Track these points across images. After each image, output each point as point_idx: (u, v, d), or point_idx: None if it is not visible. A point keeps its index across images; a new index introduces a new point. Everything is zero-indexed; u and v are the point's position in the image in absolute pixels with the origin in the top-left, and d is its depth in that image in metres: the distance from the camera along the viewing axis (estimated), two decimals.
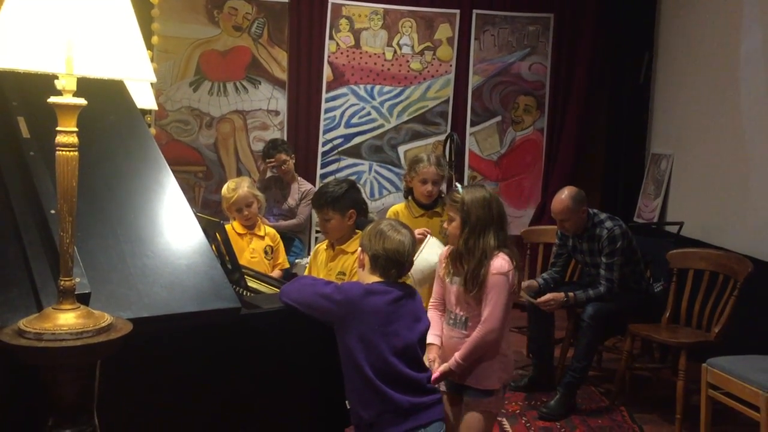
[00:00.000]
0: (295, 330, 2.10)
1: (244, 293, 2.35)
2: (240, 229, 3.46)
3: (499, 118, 6.27)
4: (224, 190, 3.46)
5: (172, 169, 5.47)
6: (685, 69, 5.52)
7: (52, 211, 1.84)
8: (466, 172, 6.24)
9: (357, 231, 3.11)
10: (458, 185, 2.63)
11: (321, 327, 2.11)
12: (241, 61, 6.03)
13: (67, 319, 1.48)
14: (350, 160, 6.17)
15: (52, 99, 1.47)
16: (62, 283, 1.50)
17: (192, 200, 6.04)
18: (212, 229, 2.40)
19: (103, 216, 1.98)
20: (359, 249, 2.30)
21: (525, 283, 4.20)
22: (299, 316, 2.08)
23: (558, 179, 6.21)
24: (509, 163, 6.31)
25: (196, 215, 2.47)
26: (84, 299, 1.67)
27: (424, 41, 6.14)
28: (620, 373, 4.02)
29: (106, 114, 2.30)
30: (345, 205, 2.96)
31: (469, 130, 6.24)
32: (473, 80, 6.20)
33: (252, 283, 2.54)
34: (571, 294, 3.95)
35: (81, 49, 1.38)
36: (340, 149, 6.16)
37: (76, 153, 1.51)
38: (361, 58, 6.12)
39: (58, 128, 1.48)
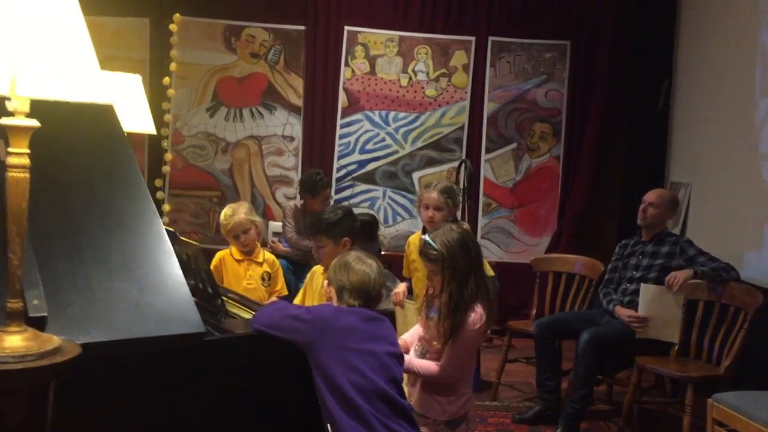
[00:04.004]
0: (265, 357, 2.07)
1: (223, 318, 2.33)
2: (238, 255, 3.45)
3: (514, 145, 6.22)
4: (222, 216, 3.46)
5: (187, 194, 5.58)
6: (705, 96, 5.42)
7: None
8: (481, 199, 6.19)
9: None
10: (426, 238, 2.55)
11: (294, 354, 2.07)
12: (258, 87, 6.10)
13: (12, 341, 1.47)
14: (364, 186, 6.17)
15: (3, 120, 1.48)
16: (9, 305, 1.50)
17: (206, 225, 6.09)
18: (193, 253, 2.39)
19: (74, 239, 1.98)
20: (325, 283, 2.28)
21: (625, 311, 3.97)
22: (270, 342, 2.05)
23: (574, 207, 6.13)
24: (525, 191, 6.24)
25: (178, 238, 2.47)
26: (40, 322, 1.67)
27: (439, 68, 6.14)
28: (627, 407, 3.90)
29: (89, 136, 2.31)
30: (339, 233, 2.94)
31: (484, 156, 6.20)
32: (488, 107, 6.17)
33: (235, 309, 2.52)
34: (699, 271, 3.81)
35: (26, 69, 1.38)
36: (354, 175, 6.16)
37: (27, 175, 1.51)
38: (376, 84, 6.13)
39: (8, 149, 1.48)
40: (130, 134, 5.25)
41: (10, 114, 1.49)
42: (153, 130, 3.49)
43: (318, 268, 3.12)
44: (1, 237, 1.85)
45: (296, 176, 6.10)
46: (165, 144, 5.88)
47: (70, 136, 2.25)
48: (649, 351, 3.93)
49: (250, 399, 2.03)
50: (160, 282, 1.95)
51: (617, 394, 4.48)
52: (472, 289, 2.40)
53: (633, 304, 3.99)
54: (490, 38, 6.13)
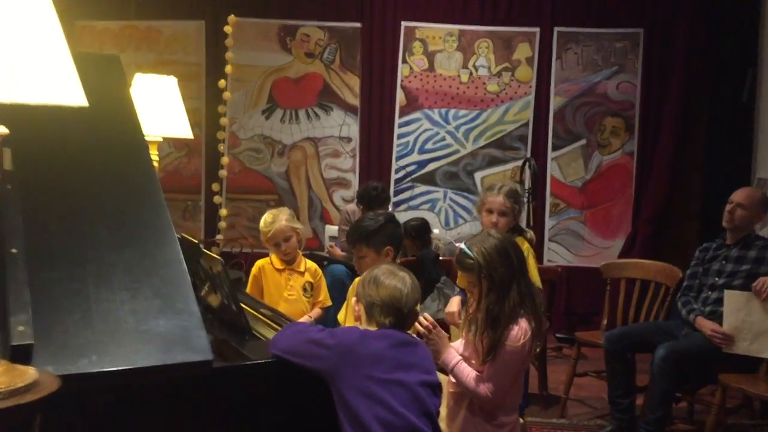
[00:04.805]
0: (283, 387, 1.85)
1: (248, 339, 2.14)
2: (278, 264, 3.26)
3: (583, 142, 5.85)
4: (261, 223, 3.27)
5: (244, 198, 5.37)
6: None
7: (13, 250, 1.69)
8: (548, 199, 5.85)
9: None
10: (461, 246, 2.29)
11: (315, 384, 1.84)
12: (313, 87, 5.94)
13: None
14: (424, 188, 5.92)
15: None
16: None
17: None
18: (217, 268, 2.20)
19: (79, 255, 1.81)
20: (354, 299, 2.05)
21: (708, 324, 3.57)
22: (289, 370, 1.82)
23: (650, 207, 5.73)
24: (595, 190, 5.86)
25: (202, 252, 2.29)
26: (24, 351, 1.50)
27: (501, 62, 5.84)
28: (710, 430, 3.52)
29: (104, 141, 2.16)
30: (380, 242, 2.70)
31: (550, 154, 5.85)
32: (555, 102, 5.83)
33: (263, 329, 2.32)
34: None
35: None
36: (413, 176, 5.93)
37: None
38: (435, 81, 5.88)
39: None
40: (186, 139, 5.18)
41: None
42: (189, 134, 3.34)
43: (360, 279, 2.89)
44: None
45: (354, 178, 5.92)
46: (221, 148, 5.78)
47: (82, 140, 2.10)
48: (734, 366, 3.53)
49: None
50: (168, 305, 1.76)
51: (699, 412, 4.09)
52: (515, 301, 2.12)
53: (716, 315, 3.60)
54: (556, 29, 5.79)
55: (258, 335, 2.19)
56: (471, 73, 5.86)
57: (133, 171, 2.13)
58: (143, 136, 2.31)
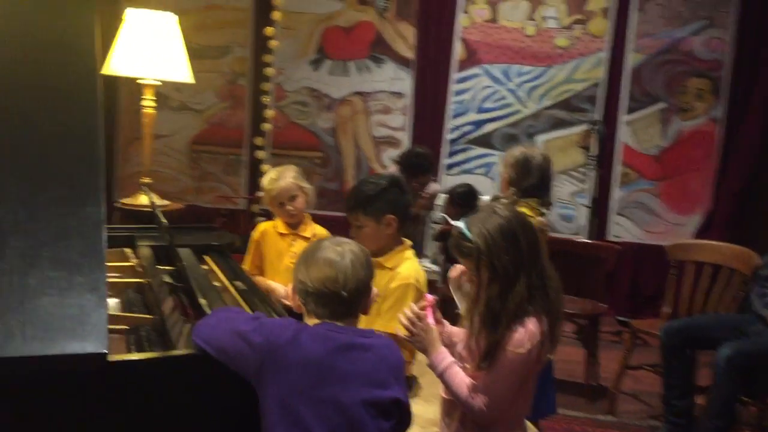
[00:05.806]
0: (207, 386, 1.50)
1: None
2: (282, 228, 2.90)
3: (662, 105, 5.23)
4: (265, 180, 2.90)
5: (288, 155, 4.95)
6: None
7: None
8: (619, 168, 5.28)
9: (404, 241, 2.45)
10: (459, 225, 1.78)
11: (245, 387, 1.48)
12: (365, 37, 5.52)
13: None
14: (480, 150, 5.45)
15: None
16: None
17: None
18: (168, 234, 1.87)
19: None
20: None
21: None
22: (215, 366, 1.47)
23: (735, 180, 5.11)
24: (673, 159, 5.25)
25: (154, 220, 1.96)
26: None
27: (573, 13, 5.25)
28: None
29: (39, 85, 1.84)
30: (379, 209, 2.29)
31: (624, 118, 5.26)
32: (632, 59, 5.21)
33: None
34: None
35: None
36: (469, 137, 5.45)
37: None
38: (497, 33, 5.35)
39: None
40: (231, 90, 4.81)
41: None
42: (189, 79, 2.99)
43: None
44: None
45: (405, 137, 5.51)
46: (266, 100, 5.46)
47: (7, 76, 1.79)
48: None
49: None
50: (68, 279, 1.44)
51: None
52: (522, 296, 1.67)
53: None
54: None
55: None
56: (538, 25, 5.30)
57: (70, 118, 1.80)
58: (95, 78, 1.97)
